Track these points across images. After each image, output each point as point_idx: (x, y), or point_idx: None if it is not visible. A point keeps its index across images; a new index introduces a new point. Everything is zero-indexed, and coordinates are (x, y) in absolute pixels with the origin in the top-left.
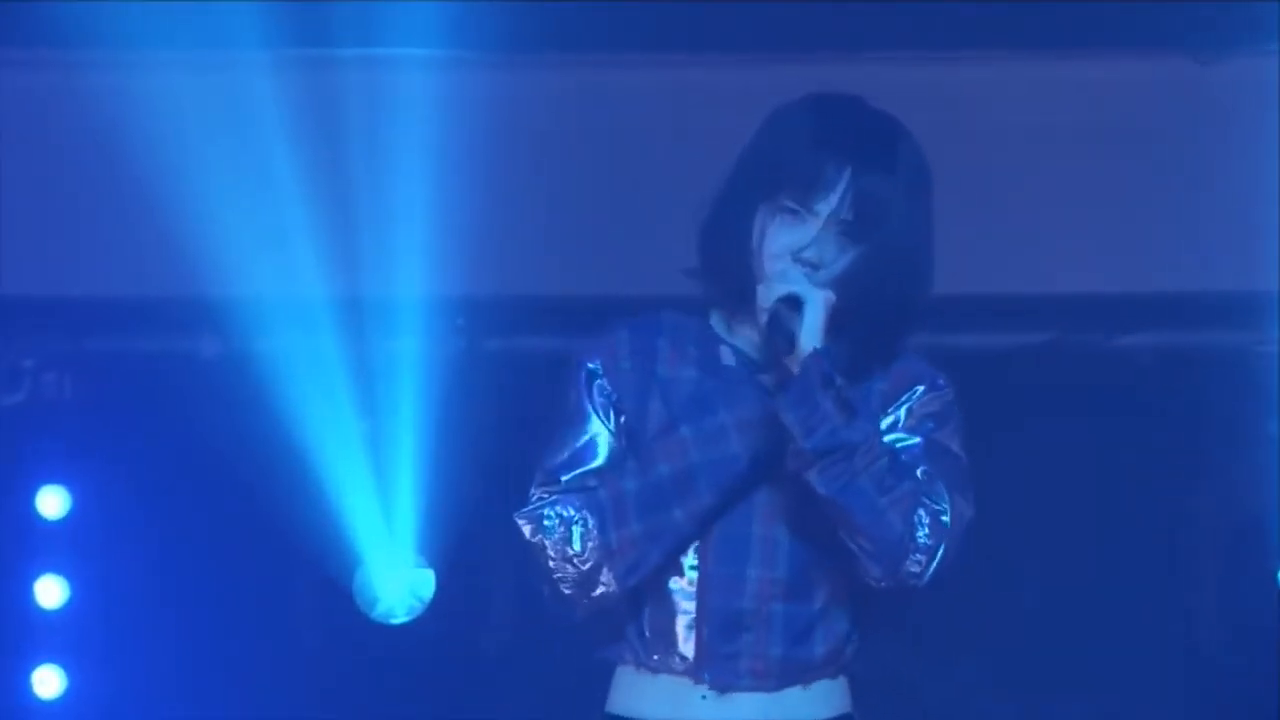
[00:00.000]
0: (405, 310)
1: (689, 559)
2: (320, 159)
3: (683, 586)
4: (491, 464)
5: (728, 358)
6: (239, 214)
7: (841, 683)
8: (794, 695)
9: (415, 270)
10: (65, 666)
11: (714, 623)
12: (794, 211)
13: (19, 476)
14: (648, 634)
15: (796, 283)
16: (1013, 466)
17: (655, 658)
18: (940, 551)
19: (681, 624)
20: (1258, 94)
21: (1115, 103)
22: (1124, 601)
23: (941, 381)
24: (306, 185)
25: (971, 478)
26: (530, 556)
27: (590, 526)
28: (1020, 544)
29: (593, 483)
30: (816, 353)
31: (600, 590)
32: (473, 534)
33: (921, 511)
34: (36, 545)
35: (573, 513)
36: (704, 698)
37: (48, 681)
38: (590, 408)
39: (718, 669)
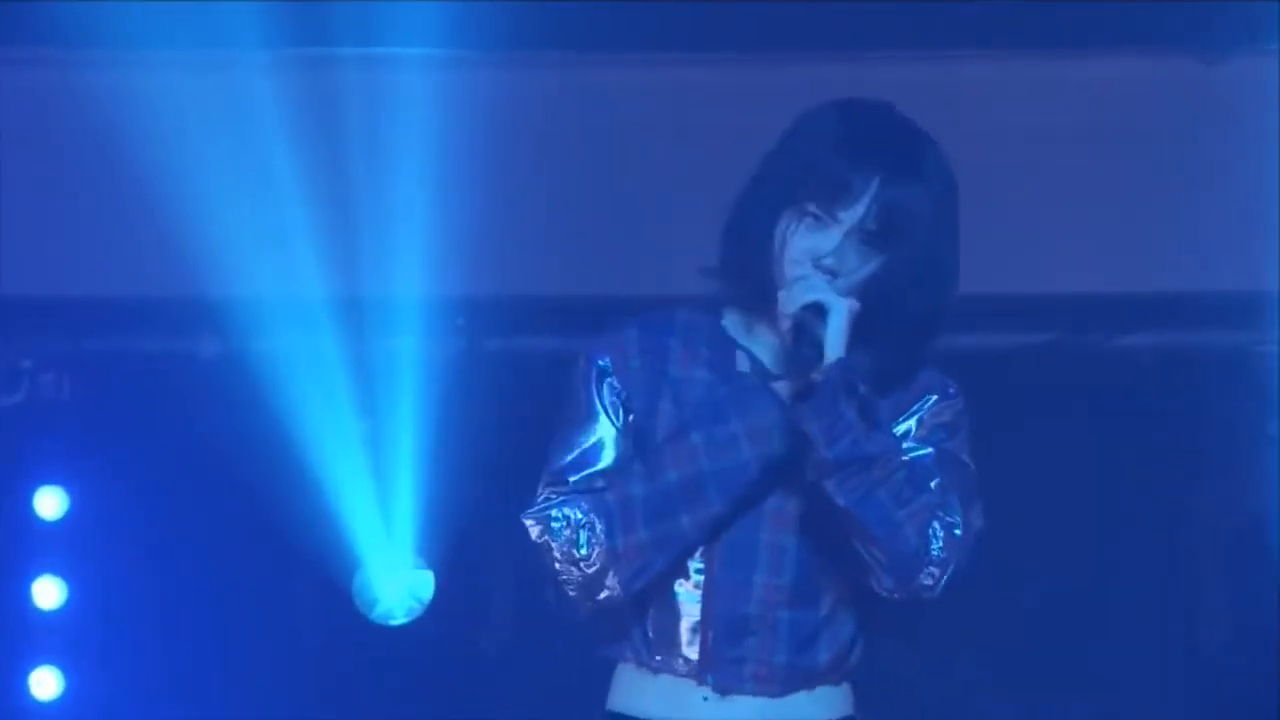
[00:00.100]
0: (405, 310)
1: (695, 563)
2: (320, 159)
3: (688, 590)
4: (491, 464)
5: (742, 363)
6: (238, 214)
7: (845, 688)
8: (797, 699)
9: (415, 270)
10: (63, 668)
11: (719, 627)
12: (818, 218)
13: (17, 477)
14: (651, 635)
15: (821, 291)
16: (1013, 467)
17: (658, 658)
18: (952, 565)
19: (686, 627)
20: (1258, 94)
21: (1116, 102)
22: (1124, 601)
23: (952, 390)
24: (306, 185)
25: (980, 487)
26: (535, 557)
27: (598, 531)
28: (1021, 544)
29: (600, 484)
30: (840, 362)
31: (605, 594)
32: (472, 535)
33: (936, 525)
34: (34, 546)
35: (580, 516)
36: (705, 699)
37: (45, 683)
38: (599, 406)
39: (722, 673)
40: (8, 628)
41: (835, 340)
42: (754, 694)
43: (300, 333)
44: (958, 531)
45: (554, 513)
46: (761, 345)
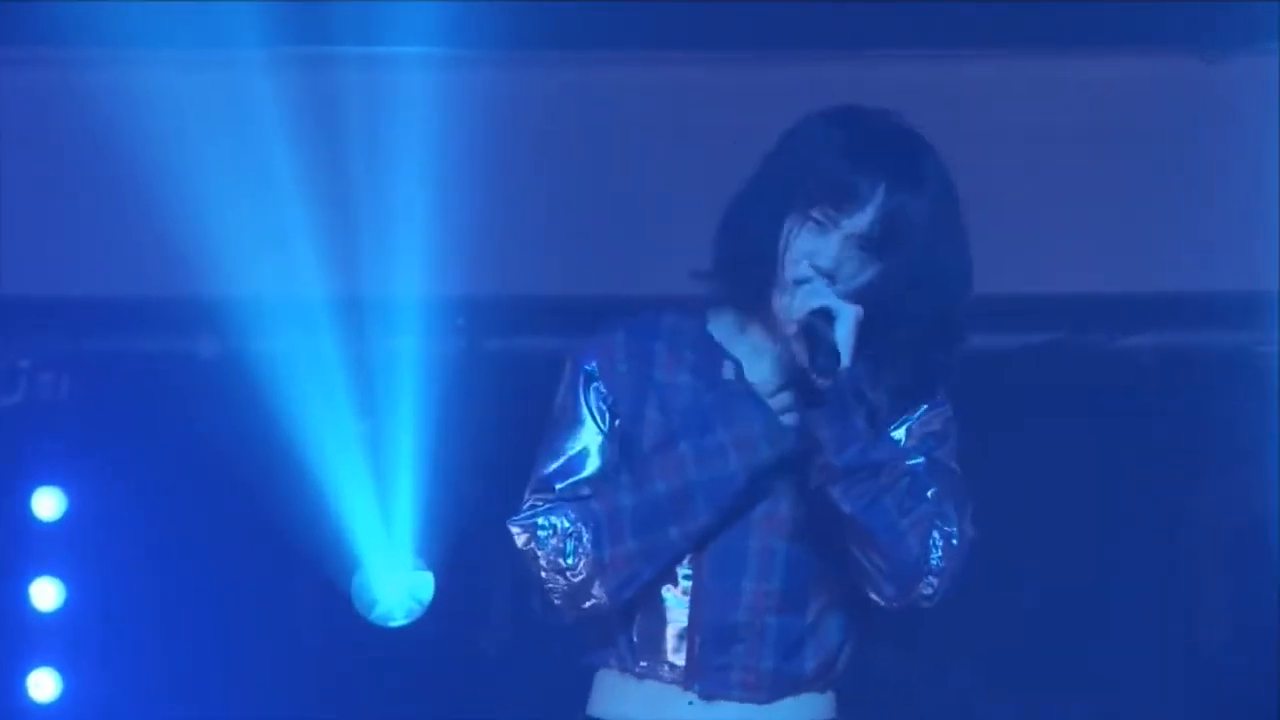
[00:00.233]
0: (405, 310)
1: (683, 569)
2: (320, 158)
3: (676, 596)
4: (491, 465)
5: (728, 370)
6: (238, 213)
7: (829, 696)
8: (783, 706)
9: (415, 270)
10: (61, 669)
11: (706, 634)
12: (819, 223)
13: (15, 477)
14: (636, 641)
15: (828, 297)
16: (1014, 466)
17: (643, 664)
18: (949, 575)
19: (672, 633)
20: (1259, 94)
21: (1116, 102)
22: (1125, 601)
23: (940, 398)
24: (306, 184)
25: (970, 495)
26: (522, 564)
27: (585, 540)
28: (1022, 544)
29: (586, 491)
30: (849, 369)
31: (591, 603)
32: (472, 535)
33: (936, 534)
34: (32, 547)
35: (567, 524)
36: (690, 704)
37: (43, 685)
38: (586, 411)
39: (709, 680)
40: (5, 629)
41: (843, 347)
42: (740, 700)
43: (300, 333)
44: (955, 541)
45: (541, 520)
46: (750, 348)
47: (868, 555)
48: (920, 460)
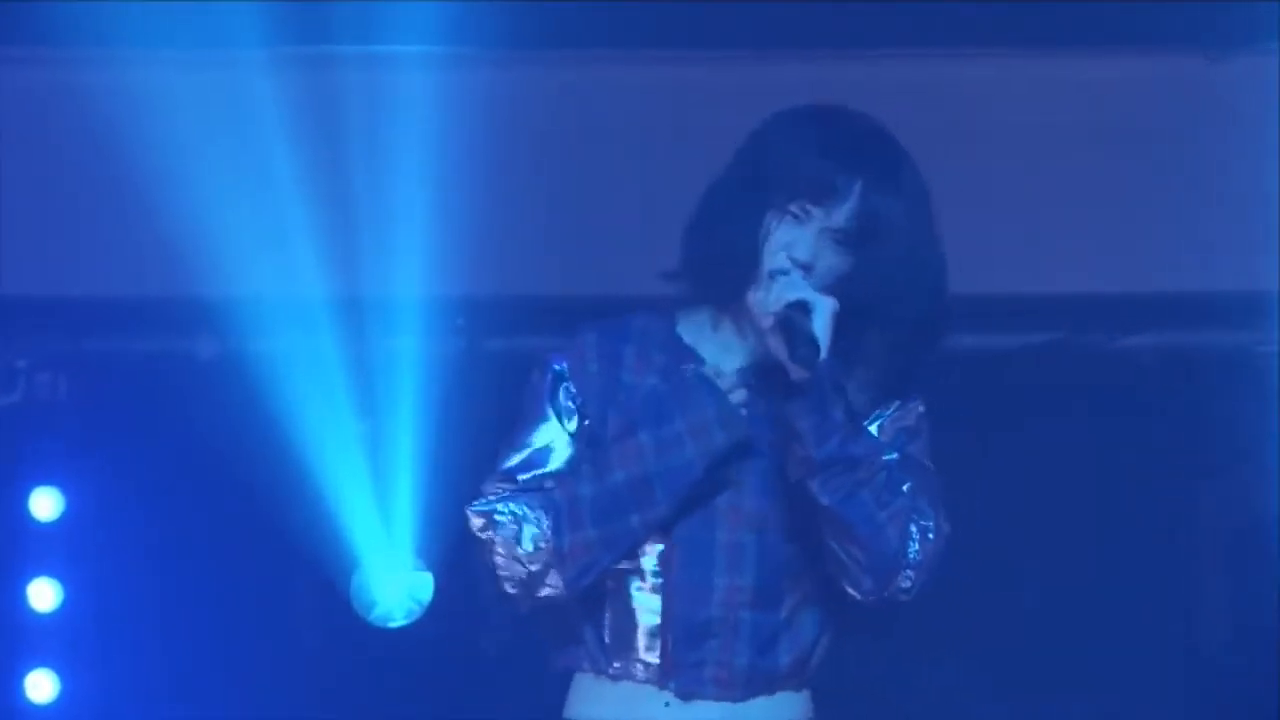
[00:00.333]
0: (405, 310)
1: (651, 564)
2: (319, 158)
3: (646, 593)
4: (491, 465)
5: (689, 373)
6: (237, 213)
7: (805, 694)
8: (757, 704)
9: (415, 270)
10: (58, 671)
11: (679, 630)
12: (797, 217)
13: (13, 478)
14: (608, 641)
15: (804, 289)
16: (1015, 467)
17: (616, 665)
18: (926, 569)
19: (644, 631)
20: (1260, 93)
21: (1117, 102)
22: (1125, 602)
23: (913, 394)
24: (305, 184)
25: (944, 492)
26: (478, 551)
27: (544, 528)
28: (1022, 544)
29: (549, 484)
30: (827, 361)
31: (547, 591)
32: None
33: (913, 528)
34: (30, 548)
35: (527, 511)
36: (667, 705)
37: (41, 686)
38: (553, 410)
39: (683, 678)
40: (3, 630)
41: (821, 339)
42: (715, 698)
43: (299, 333)
44: (931, 535)
45: (500, 507)
46: (720, 346)
47: (846, 548)
48: (894, 456)
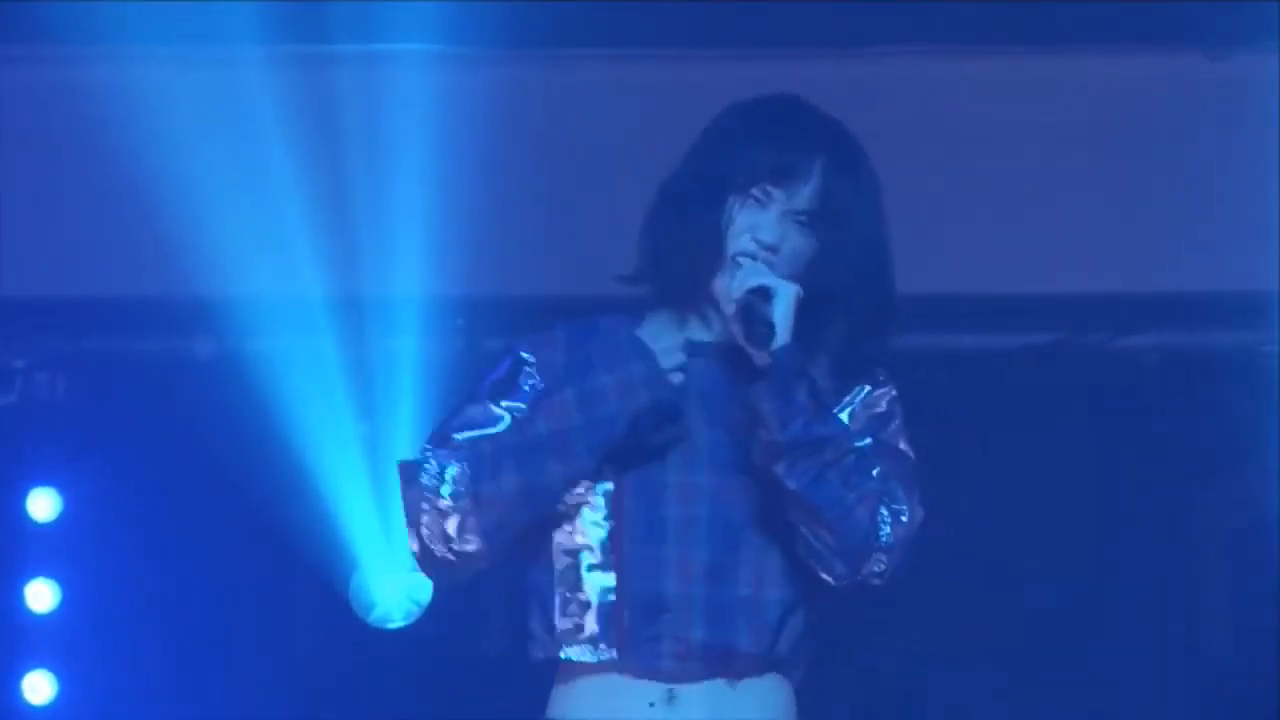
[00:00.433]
0: (405, 310)
1: (602, 540)
2: (319, 157)
3: (598, 571)
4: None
5: (622, 336)
6: (235, 212)
7: (785, 689)
8: (728, 696)
9: (414, 270)
10: (56, 672)
11: (635, 605)
12: (759, 200)
13: (10, 478)
14: (562, 626)
15: (766, 275)
16: (1015, 467)
17: (571, 648)
18: (899, 552)
19: (599, 610)
20: (1262, 93)
21: (1118, 101)
22: (1127, 602)
23: (883, 378)
24: (304, 183)
25: (919, 477)
26: (404, 506)
27: (465, 476)
28: (1024, 544)
29: (487, 447)
30: (790, 345)
31: (467, 546)
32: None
33: (884, 511)
34: (27, 548)
35: (453, 466)
36: (651, 705)
37: (38, 688)
38: (506, 388)
39: (641, 653)
40: (0, 631)
41: (783, 324)
42: (674, 675)
43: (298, 333)
44: (904, 518)
45: (430, 462)
46: (684, 343)
47: (816, 533)
48: (867, 441)
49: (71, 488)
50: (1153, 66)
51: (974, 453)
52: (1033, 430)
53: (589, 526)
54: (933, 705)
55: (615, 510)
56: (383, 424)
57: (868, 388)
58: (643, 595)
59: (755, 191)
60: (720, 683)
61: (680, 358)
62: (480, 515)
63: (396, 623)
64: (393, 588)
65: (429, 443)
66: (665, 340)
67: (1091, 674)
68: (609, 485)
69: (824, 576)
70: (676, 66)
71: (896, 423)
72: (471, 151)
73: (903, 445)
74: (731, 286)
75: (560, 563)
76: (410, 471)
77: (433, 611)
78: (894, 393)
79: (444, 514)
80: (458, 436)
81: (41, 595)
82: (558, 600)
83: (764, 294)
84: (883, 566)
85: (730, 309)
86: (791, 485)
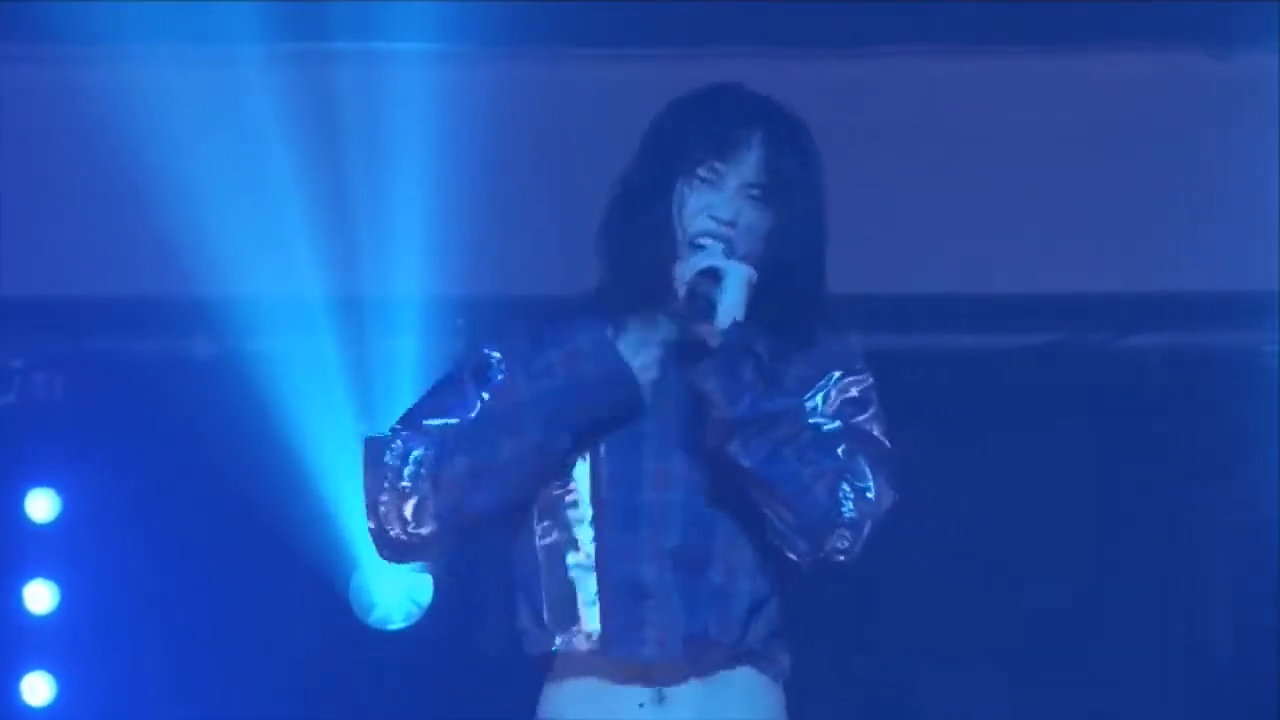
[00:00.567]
0: (405, 310)
1: (585, 533)
2: (318, 156)
3: (580, 561)
4: None
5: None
6: (234, 212)
7: (767, 684)
8: (717, 696)
9: (415, 270)
10: (55, 673)
11: (617, 592)
12: (706, 180)
13: (9, 479)
14: (548, 617)
15: (716, 257)
16: (1016, 467)
17: (559, 639)
18: (866, 528)
19: (584, 600)
20: (1264, 91)
21: (1119, 101)
22: (1129, 603)
23: (859, 365)
24: (304, 183)
25: (895, 464)
26: (364, 488)
27: (427, 459)
28: (1025, 544)
29: (449, 433)
30: (737, 324)
31: (424, 529)
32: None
33: (846, 486)
34: (26, 549)
35: (415, 449)
36: (641, 705)
37: (37, 689)
38: (474, 379)
39: (627, 641)
40: None
41: (732, 305)
42: (659, 672)
43: (298, 333)
44: (870, 495)
45: (394, 444)
46: (651, 345)
47: (775, 510)
48: (837, 425)
49: (70, 488)
50: (1153, 66)
51: (974, 453)
52: (1033, 430)
53: (570, 517)
54: (933, 705)
55: (594, 499)
56: (383, 424)
57: (838, 373)
58: (623, 582)
59: (702, 172)
60: (704, 680)
61: (656, 351)
62: (436, 498)
63: (396, 624)
64: (393, 588)
65: (398, 423)
66: (643, 339)
67: (1092, 674)
68: (587, 476)
69: (789, 555)
70: (677, 66)
71: (872, 410)
72: (471, 151)
73: (876, 432)
74: (685, 270)
75: (544, 555)
76: (375, 451)
77: (432, 613)
78: (870, 381)
79: (403, 495)
80: (427, 422)
81: (40, 596)
82: (544, 593)
83: (713, 275)
84: (846, 543)
85: (682, 291)
86: (746, 463)
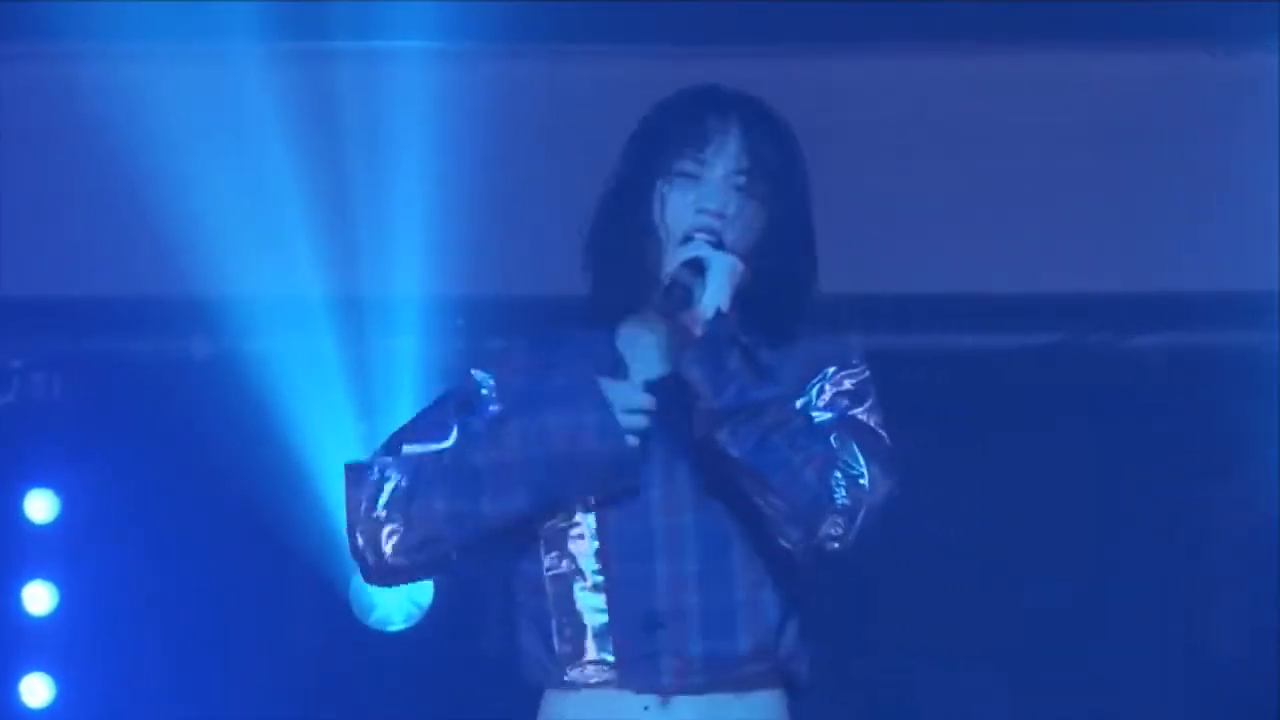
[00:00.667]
0: (405, 310)
1: (590, 564)
2: (318, 155)
3: (588, 591)
4: None
5: (580, 373)
6: (234, 212)
7: (779, 695)
8: (730, 705)
9: (415, 270)
10: (54, 675)
11: (628, 625)
12: (688, 175)
13: (8, 480)
14: (559, 648)
15: (699, 248)
16: (1018, 467)
17: (571, 672)
18: (860, 515)
19: (594, 632)
20: (1264, 91)
21: (1119, 100)
22: (1131, 603)
23: (855, 360)
24: (304, 182)
25: (894, 455)
26: (345, 512)
27: (400, 491)
28: (1027, 545)
29: (428, 460)
30: (721, 314)
31: (394, 560)
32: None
33: (838, 473)
34: (25, 550)
35: (392, 473)
36: (646, 708)
37: (36, 690)
38: (459, 406)
39: (642, 672)
40: None
41: (716, 294)
42: (677, 691)
43: (297, 333)
44: (863, 481)
45: (374, 471)
46: (658, 354)
47: (766, 500)
48: (831, 416)
49: (69, 489)
50: (1153, 65)
51: (974, 453)
52: (1033, 430)
53: (576, 548)
54: (933, 705)
55: (600, 529)
56: (383, 424)
57: (833, 368)
58: (635, 613)
59: (683, 168)
60: (719, 690)
61: (658, 370)
62: (408, 530)
63: (397, 625)
64: (392, 590)
65: (380, 449)
66: (643, 342)
67: (1092, 674)
68: (592, 508)
69: (783, 544)
70: (677, 65)
71: (869, 403)
72: (471, 150)
73: (872, 423)
74: (670, 265)
75: (552, 586)
76: (355, 476)
77: (433, 614)
78: (866, 374)
79: (378, 524)
80: (406, 449)
81: (39, 597)
82: (554, 624)
83: (696, 265)
84: (840, 530)
85: (667, 282)
86: (735, 453)
